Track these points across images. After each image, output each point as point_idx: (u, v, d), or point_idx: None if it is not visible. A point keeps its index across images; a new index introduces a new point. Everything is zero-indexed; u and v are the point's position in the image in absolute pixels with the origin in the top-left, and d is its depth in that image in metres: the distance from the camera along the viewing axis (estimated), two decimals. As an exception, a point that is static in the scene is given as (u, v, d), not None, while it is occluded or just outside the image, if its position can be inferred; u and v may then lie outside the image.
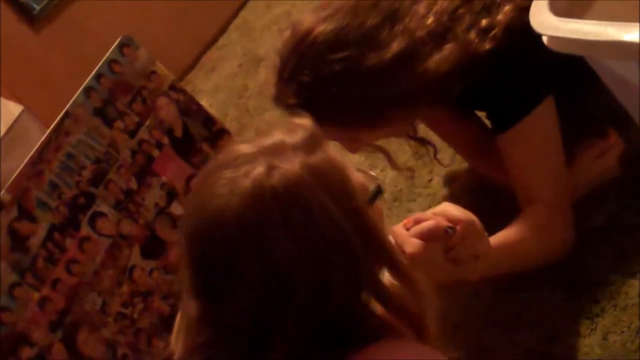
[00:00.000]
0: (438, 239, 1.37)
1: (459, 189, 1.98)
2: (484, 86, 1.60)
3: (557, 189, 1.63)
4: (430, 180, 2.06)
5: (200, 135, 2.13)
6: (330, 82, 1.57)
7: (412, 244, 1.36)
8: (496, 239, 1.51)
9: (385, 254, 1.12)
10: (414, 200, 2.02)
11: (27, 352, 1.75)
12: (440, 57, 1.56)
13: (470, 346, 1.61)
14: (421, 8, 1.60)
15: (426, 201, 2.01)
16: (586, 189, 1.70)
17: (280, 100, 1.64)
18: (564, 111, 1.68)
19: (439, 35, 1.58)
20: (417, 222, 1.38)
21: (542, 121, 1.62)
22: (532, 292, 1.63)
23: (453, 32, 1.58)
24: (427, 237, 1.36)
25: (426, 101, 1.63)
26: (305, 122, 1.13)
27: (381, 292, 1.10)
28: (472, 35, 1.57)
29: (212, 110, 2.20)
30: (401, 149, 2.05)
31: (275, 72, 1.64)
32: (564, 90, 1.67)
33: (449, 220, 1.37)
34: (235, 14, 3.84)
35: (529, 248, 1.58)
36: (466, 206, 1.71)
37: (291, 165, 1.05)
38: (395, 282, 1.13)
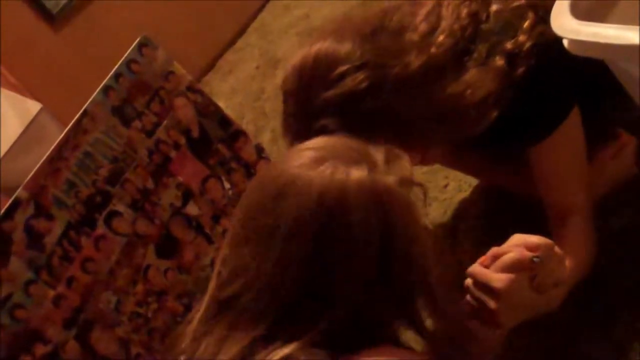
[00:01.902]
0: (524, 269, 1.32)
1: (475, 195, 1.98)
2: (513, 102, 1.58)
3: (588, 196, 1.62)
4: (445, 186, 2.06)
5: (216, 136, 2.13)
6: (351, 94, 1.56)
7: (500, 279, 1.31)
8: (569, 262, 1.46)
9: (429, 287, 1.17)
10: (429, 205, 2.02)
11: (41, 349, 1.75)
12: (468, 83, 1.54)
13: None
14: (423, 25, 1.58)
15: (442, 206, 2.01)
16: (604, 190, 1.69)
17: (308, 130, 1.61)
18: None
19: (457, 59, 1.56)
20: (496, 257, 1.34)
21: (572, 131, 1.61)
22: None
23: (472, 56, 1.56)
24: (514, 269, 1.31)
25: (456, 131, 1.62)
26: (405, 163, 1.21)
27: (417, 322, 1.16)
28: (499, 60, 1.55)
29: (229, 113, 2.20)
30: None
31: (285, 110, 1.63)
32: (580, 96, 1.66)
33: (528, 248, 1.33)
34: (253, 16, 3.85)
35: (588, 261, 1.57)
36: (482, 212, 1.71)
37: (392, 182, 1.15)
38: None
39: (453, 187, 2.04)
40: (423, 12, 1.59)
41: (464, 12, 1.58)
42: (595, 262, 1.57)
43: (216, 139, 2.13)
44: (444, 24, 1.57)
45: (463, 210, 1.96)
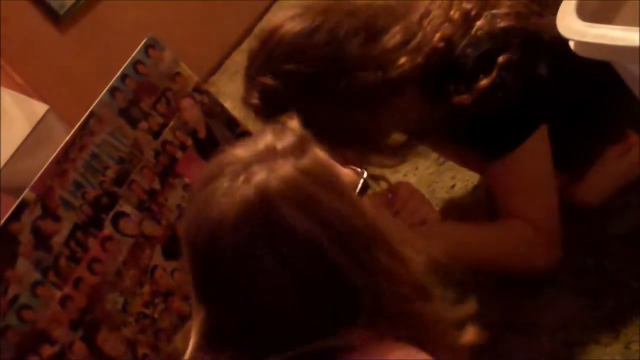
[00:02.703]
0: (383, 205, 1.42)
1: (482, 194, 1.97)
2: (474, 116, 1.60)
3: (543, 213, 1.64)
4: (452, 186, 2.06)
5: (223, 137, 2.13)
6: (292, 85, 1.58)
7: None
8: (459, 222, 1.57)
9: (385, 240, 1.12)
10: (437, 206, 2.02)
11: (48, 349, 1.75)
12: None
13: (489, 351, 1.61)
14: (398, 35, 1.60)
15: (449, 206, 2.01)
16: (611, 190, 1.70)
17: (246, 100, 1.65)
18: (583, 119, 1.68)
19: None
20: None
21: (533, 150, 1.63)
22: (552, 298, 1.62)
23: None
24: (376, 204, 1.34)
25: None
26: (293, 125, 1.15)
27: (381, 273, 1.09)
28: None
29: (236, 114, 2.20)
30: (423, 154, 2.05)
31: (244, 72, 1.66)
32: (581, 99, 1.67)
33: (390, 188, 1.44)
34: (260, 17, 3.85)
35: (498, 250, 1.59)
36: (488, 211, 1.71)
37: (286, 169, 1.07)
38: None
39: (460, 187, 2.04)
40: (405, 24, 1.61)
41: (438, 36, 1.59)
42: (600, 265, 1.58)
43: (223, 139, 2.13)
44: (413, 43, 1.58)
45: (470, 211, 1.96)
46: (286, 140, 1.11)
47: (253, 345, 1.07)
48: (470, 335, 1.18)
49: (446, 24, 1.60)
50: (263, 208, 1.05)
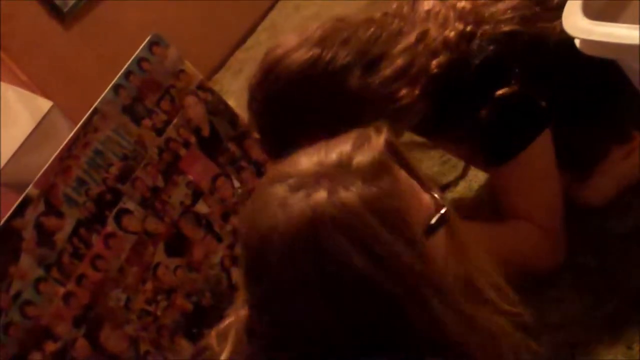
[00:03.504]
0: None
1: (485, 194, 1.97)
2: (478, 121, 1.60)
3: (549, 215, 1.64)
4: (456, 185, 2.06)
5: (227, 134, 2.13)
6: (294, 120, 1.58)
7: None
8: (474, 222, 1.54)
9: (439, 287, 1.06)
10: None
11: (51, 346, 1.76)
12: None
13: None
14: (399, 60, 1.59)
15: (452, 205, 2.00)
16: (615, 191, 1.70)
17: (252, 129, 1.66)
18: (588, 120, 1.68)
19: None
20: None
21: (538, 153, 1.63)
22: (555, 297, 1.62)
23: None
24: None
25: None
26: (378, 142, 1.08)
27: (434, 322, 1.05)
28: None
29: (239, 111, 2.20)
30: (427, 154, 2.05)
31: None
32: (586, 100, 1.67)
33: None
34: (263, 15, 3.85)
35: (504, 251, 1.60)
36: (492, 210, 1.71)
37: (349, 195, 1.01)
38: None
39: (463, 186, 2.03)
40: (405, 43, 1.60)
41: (434, 64, 1.59)
42: (603, 265, 1.58)
43: (226, 137, 2.13)
44: (412, 72, 1.58)
45: (473, 209, 1.95)
46: (363, 158, 1.05)
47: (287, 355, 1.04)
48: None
49: (442, 51, 1.59)
50: (314, 231, 1.01)
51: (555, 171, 1.66)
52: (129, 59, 2.03)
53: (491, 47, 1.58)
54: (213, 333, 1.19)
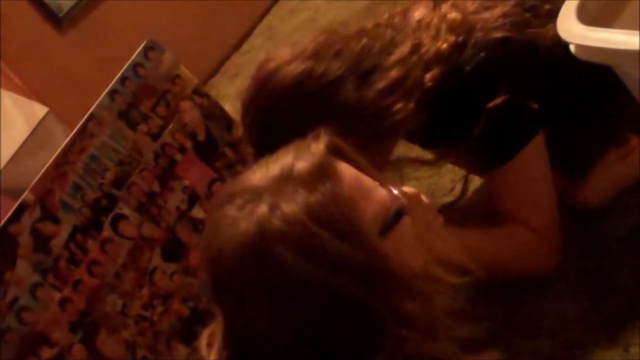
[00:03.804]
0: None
1: (481, 197, 1.97)
2: (472, 132, 1.60)
3: (545, 218, 1.64)
4: (452, 189, 2.06)
5: (223, 139, 2.13)
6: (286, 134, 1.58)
7: None
8: (462, 227, 1.58)
9: (402, 284, 1.04)
10: (436, 209, 2.01)
11: (47, 352, 1.75)
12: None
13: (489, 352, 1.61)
14: (394, 72, 1.59)
15: (448, 210, 2.01)
16: (611, 192, 1.70)
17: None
18: (584, 122, 1.68)
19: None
20: None
21: (532, 157, 1.64)
22: (553, 300, 1.62)
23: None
24: None
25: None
26: (316, 147, 1.07)
27: (403, 320, 1.02)
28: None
29: (235, 116, 2.20)
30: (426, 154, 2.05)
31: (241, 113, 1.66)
32: (581, 102, 1.67)
33: None
34: (259, 19, 3.85)
35: (501, 257, 1.60)
36: (487, 214, 1.71)
37: (292, 207, 1.00)
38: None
39: (459, 190, 2.03)
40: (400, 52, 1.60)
41: (428, 77, 1.60)
42: (601, 267, 1.58)
43: (222, 142, 2.13)
44: (406, 86, 1.58)
45: (469, 214, 1.95)
46: (304, 165, 1.04)
47: None
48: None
49: (436, 63, 1.60)
50: (260, 247, 0.99)
51: (549, 174, 1.66)
52: (124, 64, 2.03)
53: (482, 54, 1.58)
54: (203, 336, 1.19)
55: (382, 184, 1.11)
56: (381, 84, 1.57)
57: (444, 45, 1.60)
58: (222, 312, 1.09)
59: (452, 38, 1.60)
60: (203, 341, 1.14)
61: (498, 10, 1.62)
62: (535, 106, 1.60)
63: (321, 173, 1.03)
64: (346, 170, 1.07)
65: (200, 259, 1.10)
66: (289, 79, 1.57)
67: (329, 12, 3.32)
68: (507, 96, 1.56)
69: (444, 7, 1.66)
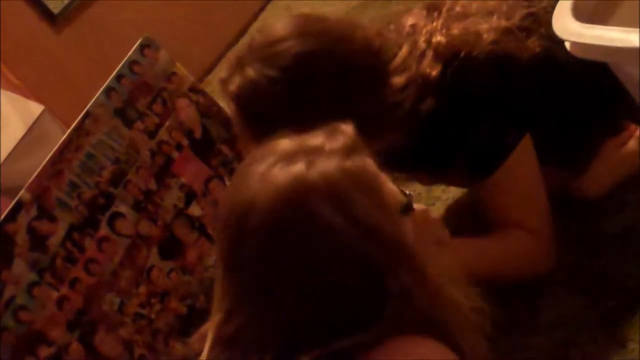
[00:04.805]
0: None
1: (466, 205, 1.97)
2: (459, 133, 1.62)
3: (540, 219, 1.66)
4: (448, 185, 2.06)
5: (219, 137, 2.13)
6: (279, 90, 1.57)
7: None
8: (466, 238, 1.60)
9: (412, 264, 1.09)
10: (433, 205, 2.02)
11: (44, 350, 1.75)
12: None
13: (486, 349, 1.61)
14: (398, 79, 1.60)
15: (444, 205, 2.01)
16: (611, 182, 1.71)
17: (225, 85, 1.63)
18: (580, 115, 1.69)
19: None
20: None
21: (520, 161, 1.64)
22: (549, 297, 1.62)
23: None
24: None
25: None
26: (347, 128, 1.13)
27: (407, 293, 1.07)
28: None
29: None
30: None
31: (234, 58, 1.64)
32: (575, 101, 1.68)
33: None
34: (255, 17, 3.85)
35: (503, 262, 1.61)
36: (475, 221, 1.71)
37: (328, 165, 1.05)
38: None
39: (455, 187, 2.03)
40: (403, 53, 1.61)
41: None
42: (598, 264, 1.58)
43: (219, 139, 2.13)
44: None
45: (465, 209, 1.96)
46: (336, 142, 1.09)
47: (271, 344, 1.05)
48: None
49: (427, 94, 1.60)
50: (296, 199, 1.03)
51: (539, 175, 1.66)
52: (120, 62, 2.02)
53: (467, 77, 1.60)
54: (194, 338, 1.20)
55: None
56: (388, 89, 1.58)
57: (434, 73, 1.60)
58: (233, 284, 1.08)
59: (439, 67, 1.60)
60: (195, 344, 1.15)
61: (482, 27, 1.62)
62: (520, 111, 1.61)
63: (354, 150, 1.09)
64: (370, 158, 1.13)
65: (221, 216, 1.11)
66: (307, 48, 1.57)
67: (324, 9, 3.32)
68: (491, 119, 1.60)
69: (435, 23, 1.66)
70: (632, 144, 1.74)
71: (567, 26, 1.05)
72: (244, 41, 3.76)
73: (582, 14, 1.05)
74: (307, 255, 1.04)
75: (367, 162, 1.10)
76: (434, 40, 1.61)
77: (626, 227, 1.64)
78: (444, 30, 1.62)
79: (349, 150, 1.09)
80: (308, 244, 1.04)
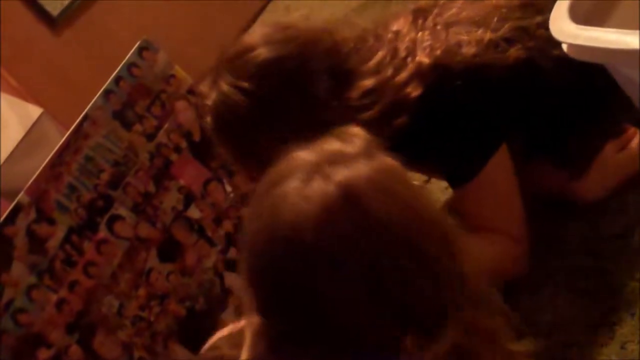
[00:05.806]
0: None
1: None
2: (436, 144, 1.63)
3: (517, 224, 1.67)
4: (447, 187, 2.06)
5: (218, 139, 2.13)
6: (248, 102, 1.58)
7: None
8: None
9: (450, 240, 1.09)
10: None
11: (44, 353, 1.75)
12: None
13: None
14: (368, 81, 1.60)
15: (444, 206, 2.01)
16: (611, 184, 1.71)
17: (203, 100, 1.65)
18: (579, 118, 1.69)
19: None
20: None
21: (497, 167, 1.64)
22: (549, 298, 1.62)
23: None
24: None
25: None
26: (356, 131, 1.13)
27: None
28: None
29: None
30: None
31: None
32: (570, 105, 1.68)
33: None
34: (254, 18, 3.85)
35: (484, 265, 1.61)
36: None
37: (364, 168, 1.05)
38: None
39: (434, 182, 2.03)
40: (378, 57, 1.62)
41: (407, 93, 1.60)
42: (597, 265, 1.58)
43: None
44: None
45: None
46: (355, 145, 1.09)
47: (312, 349, 1.04)
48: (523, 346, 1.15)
49: (404, 110, 1.60)
50: (350, 206, 1.02)
51: (515, 180, 1.67)
52: (119, 64, 2.02)
53: (442, 94, 1.60)
54: (223, 339, 1.19)
55: None
56: (362, 86, 1.58)
57: (414, 93, 1.60)
58: (277, 292, 1.06)
59: (420, 88, 1.59)
60: (224, 346, 1.15)
61: (464, 40, 1.62)
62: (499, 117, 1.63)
63: (372, 147, 1.09)
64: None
65: (256, 249, 1.08)
66: (270, 55, 1.58)
67: (323, 11, 3.32)
68: (465, 133, 1.61)
69: (419, 34, 1.66)
70: (631, 146, 1.74)
71: (563, 28, 1.05)
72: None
73: (579, 15, 1.05)
74: (371, 253, 1.02)
75: (389, 159, 1.10)
76: (417, 59, 1.61)
77: (626, 227, 1.64)
78: (427, 50, 1.61)
79: (371, 149, 1.09)
80: (369, 248, 1.02)
